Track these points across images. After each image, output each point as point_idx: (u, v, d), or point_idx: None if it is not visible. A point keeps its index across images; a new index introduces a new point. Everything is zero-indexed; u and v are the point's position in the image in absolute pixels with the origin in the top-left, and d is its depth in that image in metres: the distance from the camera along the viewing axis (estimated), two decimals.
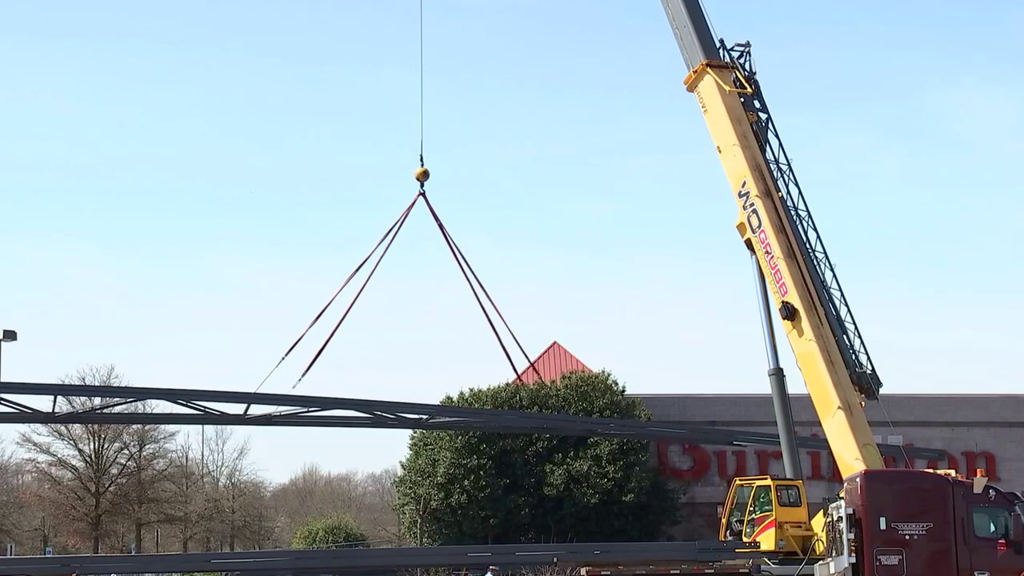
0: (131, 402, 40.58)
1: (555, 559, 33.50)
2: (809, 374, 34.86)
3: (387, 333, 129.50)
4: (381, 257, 40.37)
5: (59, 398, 41.48)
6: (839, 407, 33.67)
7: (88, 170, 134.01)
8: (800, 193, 37.05)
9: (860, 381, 34.79)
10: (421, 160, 41.15)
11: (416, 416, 45.23)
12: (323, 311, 40.01)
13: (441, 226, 40.58)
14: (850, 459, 33.15)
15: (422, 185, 41.13)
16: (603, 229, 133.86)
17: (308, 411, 41.65)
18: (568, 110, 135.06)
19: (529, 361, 43.62)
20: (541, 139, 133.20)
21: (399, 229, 40.66)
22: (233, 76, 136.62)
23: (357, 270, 40.30)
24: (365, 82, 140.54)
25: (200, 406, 40.56)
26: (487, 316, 40.47)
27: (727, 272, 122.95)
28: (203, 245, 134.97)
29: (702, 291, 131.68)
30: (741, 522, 36.54)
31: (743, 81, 37.68)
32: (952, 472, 32.88)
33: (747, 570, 32.45)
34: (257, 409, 40.81)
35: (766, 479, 37.51)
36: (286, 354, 39.84)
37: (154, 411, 45.13)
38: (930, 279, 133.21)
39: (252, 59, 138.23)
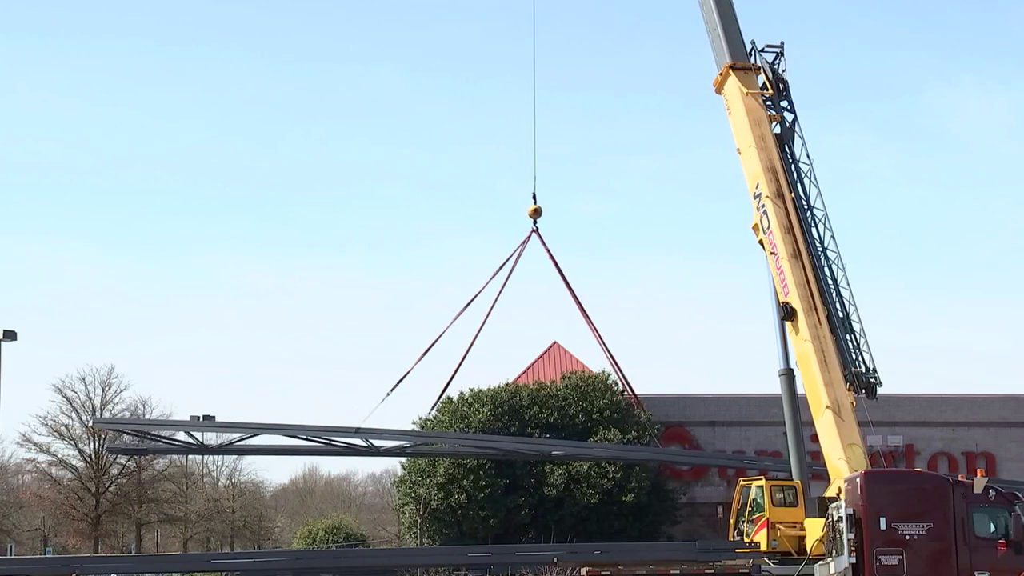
0: (248, 437, 43.22)
1: (555, 559, 33.50)
2: (804, 373, 35.14)
3: (387, 334, 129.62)
4: (500, 292, 41.11)
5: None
6: (827, 406, 33.77)
7: (88, 170, 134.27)
8: (819, 193, 37.14)
9: (858, 381, 34.81)
10: (534, 198, 41.76)
11: (536, 450, 46.03)
12: (431, 347, 41.23)
13: (555, 261, 41.33)
14: (835, 458, 33.25)
15: (535, 222, 41.55)
16: (603, 229, 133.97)
17: (429, 444, 44.34)
18: (568, 110, 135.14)
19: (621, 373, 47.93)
20: (541, 139, 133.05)
21: (515, 266, 41.28)
22: (233, 76, 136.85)
23: (468, 305, 41.05)
24: (365, 82, 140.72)
25: (324, 439, 42.36)
26: (601, 343, 43.96)
27: (727, 272, 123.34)
28: (203, 245, 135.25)
29: (702, 291, 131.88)
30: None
31: (767, 83, 37.78)
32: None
33: (747, 570, 32.49)
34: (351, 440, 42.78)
35: (761, 479, 37.60)
36: (392, 388, 41.98)
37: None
38: (929, 279, 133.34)
39: (252, 59, 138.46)
